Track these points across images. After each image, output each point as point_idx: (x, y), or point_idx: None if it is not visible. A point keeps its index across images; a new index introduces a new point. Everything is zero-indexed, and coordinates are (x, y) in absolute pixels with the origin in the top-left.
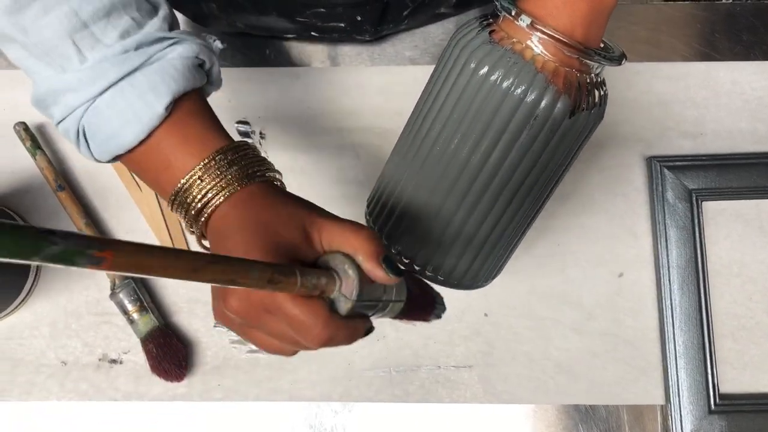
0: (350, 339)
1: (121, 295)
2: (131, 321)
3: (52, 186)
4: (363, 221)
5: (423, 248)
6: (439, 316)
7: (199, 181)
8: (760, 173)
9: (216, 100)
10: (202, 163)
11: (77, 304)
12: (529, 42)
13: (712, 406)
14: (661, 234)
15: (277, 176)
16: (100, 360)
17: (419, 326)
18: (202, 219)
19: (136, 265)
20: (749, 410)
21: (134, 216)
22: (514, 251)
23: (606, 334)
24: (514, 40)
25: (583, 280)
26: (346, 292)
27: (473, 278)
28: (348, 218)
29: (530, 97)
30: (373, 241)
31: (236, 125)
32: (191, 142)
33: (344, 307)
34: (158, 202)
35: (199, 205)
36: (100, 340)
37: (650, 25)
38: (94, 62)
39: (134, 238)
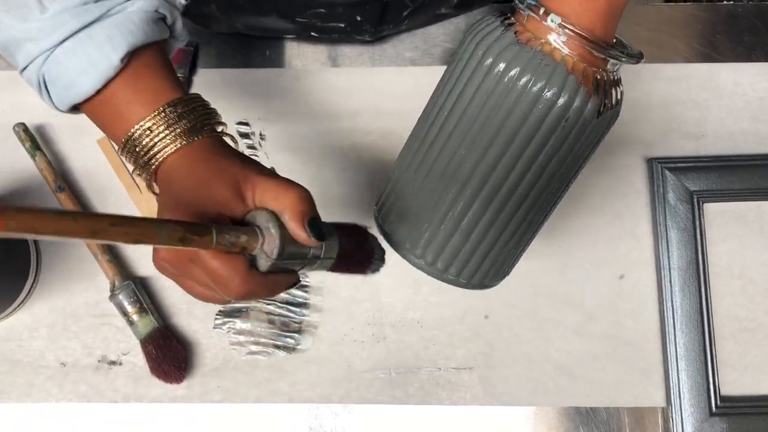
0: (270, 294)
1: (120, 297)
2: (131, 322)
3: (51, 187)
4: (364, 223)
5: (444, 251)
6: (376, 270)
7: (148, 132)
8: (761, 175)
9: (215, 101)
10: (151, 115)
11: (76, 305)
12: (555, 42)
13: (713, 409)
14: (662, 235)
15: (226, 131)
16: (99, 361)
17: (419, 327)
18: (151, 168)
19: (28, 228)
20: (750, 412)
21: None
22: (528, 247)
23: (607, 336)
24: (542, 40)
25: (584, 282)
26: (267, 249)
27: (493, 278)
28: (350, 220)
29: (563, 100)
30: (302, 201)
31: (236, 126)
32: (144, 94)
33: (264, 264)
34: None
35: (148, 155)
36: (100, 341)
37: (651, 26)
38: (54, 13)
39: None
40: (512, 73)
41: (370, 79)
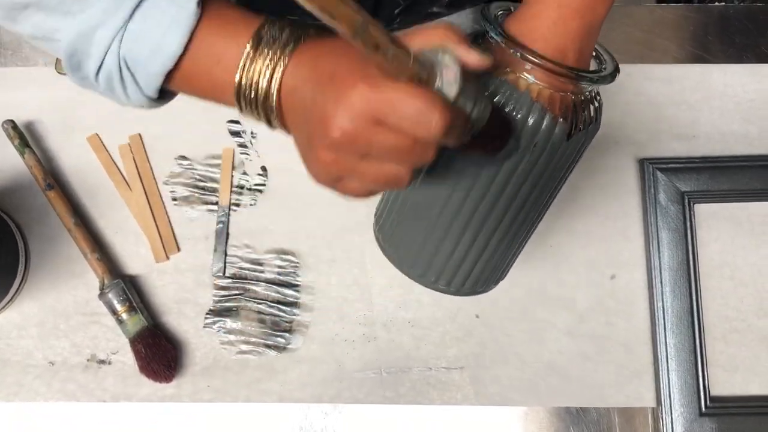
0: (464, 124)
1: (110, 295)
2: (120, 321)
3: (40, 185)
4: (356, 222)
5: (434, 264)
6: (508, 155)
7: (255, 55)
8: (751, 176)
9: None
10: (252, 39)
11: (65, 304)
12: (521, 72)
13: (703, 409)
14: (653, 236)
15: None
16: (88, 360)
17: (410, 327)
18: (274, 89)
19: None
20: (740, 413)
21: (124, 215)
22: (519, 254)
23: (598, 337)
24: (508, 69)
25: (576, 282)
26: (447, 78)
27: (484, 284)
28: (346, 219)
29: (529, 126)
30: (453, 30)
31: (228, 124)
32: (233, 28)
33: (452, 90)
34: (147, 200)
35: (267, 74)
36: (89, 340)
37: (643, 27)
38: None
39: (124, 238)
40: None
41: None
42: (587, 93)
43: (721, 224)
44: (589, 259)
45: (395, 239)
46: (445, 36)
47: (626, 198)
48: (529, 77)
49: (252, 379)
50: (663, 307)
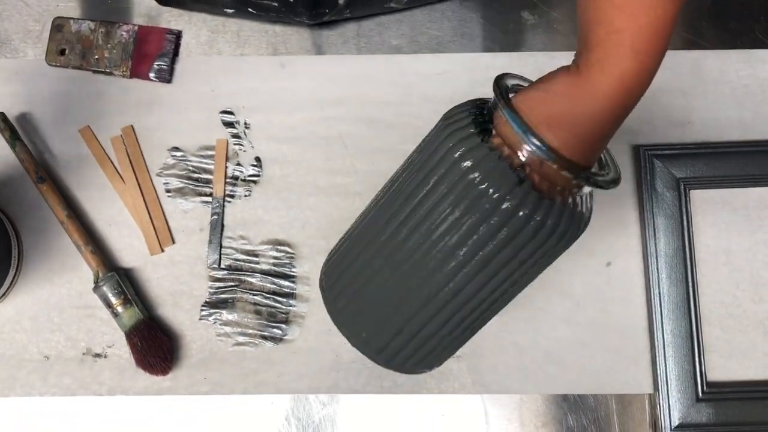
0: None
1: (104, 288)
2: (115, 314)
3: (32, 177)
4: (351, 211)
5: (379, 334)
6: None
7: None
8: (746, 161)
9: (199, 89)
10: None
11: (59, 297)
12: (519, 152)
13: (700, 394)
14: (649, 223)
15: None
16: (83, 354)
17: None
18: None
19: None
20: (736, 398)
21: (117, 207)
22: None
23: (595, 324)
24: (507, 151)
25: (572, 270)
26: None
27: (427, 365)
28: (336, 210)
29: (522, 214)
30: None
31: (221, 115)
32: None
33: None
34: (141, 192)
35: None
36: (84, 333)
37: None
38: None
39: (118, 231)
40: (473, 175)
41: (356, 66)
42: (583, 192)
43: (716, 210)
44: (585, 246)
45: (341, 298)
46: None
47: (622, 184)
48: (524, 158)
49: (249, 371)
50: (659, 294)
